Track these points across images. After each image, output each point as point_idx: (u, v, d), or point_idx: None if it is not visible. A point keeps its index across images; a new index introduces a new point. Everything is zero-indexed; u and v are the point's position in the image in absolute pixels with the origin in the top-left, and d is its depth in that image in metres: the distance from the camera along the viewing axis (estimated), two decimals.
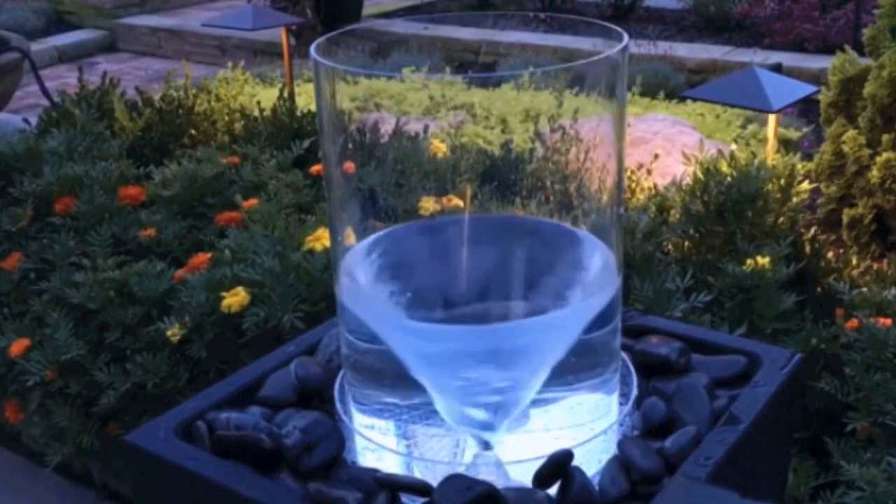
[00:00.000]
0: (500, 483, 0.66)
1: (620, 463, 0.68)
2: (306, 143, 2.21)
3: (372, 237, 0.71)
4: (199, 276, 1.67)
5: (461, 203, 0.72)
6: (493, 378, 0.68)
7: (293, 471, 0.70)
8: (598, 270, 0.70)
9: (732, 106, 3.16)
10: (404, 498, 0.66)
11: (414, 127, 0.72)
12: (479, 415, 0.68)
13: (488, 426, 0.68)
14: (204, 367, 1.62)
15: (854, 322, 1.55)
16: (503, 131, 2.40)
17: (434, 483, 0.65)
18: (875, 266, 1.97)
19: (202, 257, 1.75)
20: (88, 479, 2.06)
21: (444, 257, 0.74)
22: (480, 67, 5.28)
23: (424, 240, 0.74)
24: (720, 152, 1.92)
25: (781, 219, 1.81)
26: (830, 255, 1.82)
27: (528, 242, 0.73)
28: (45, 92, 3.23)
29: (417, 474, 0.70)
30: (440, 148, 0.73)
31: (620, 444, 0.70)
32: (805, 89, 2.74)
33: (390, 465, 0.71)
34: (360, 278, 0.71)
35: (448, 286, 0.72)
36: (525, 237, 0.73)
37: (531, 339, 0.66)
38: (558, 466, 0.65)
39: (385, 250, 0.72)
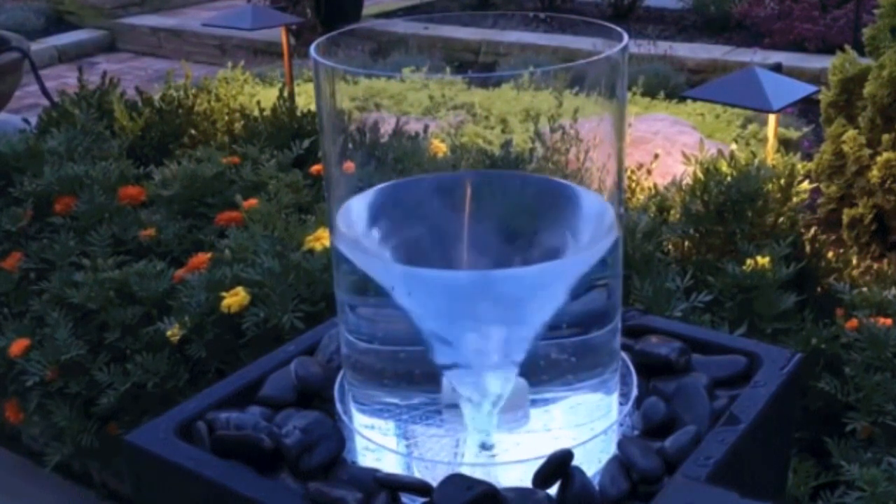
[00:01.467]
0: (499, 483, 0.66)
1: (620, 463, 0.68)
2: (306, 143, 2.21)
3: (374, 189, 0.71)
4: (199, 276, 1.67)
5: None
6: (484, 324, 0.67)
7: (293, 471, 0.70)
8: (591, 224, 0.70)
9: (732, 106, 3.16)
10: (404, 498, 0.66)
11: (414, 127, 0.72)
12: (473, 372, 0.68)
13: (482, 385, 0.68)
14: (204, 367, 1.62)
15: (854, 322, 1.55)
16: (503, 131, 2.40)
17: (434, 483, 0.65)
18: (875, 266, 1.97)
19: (202, 257, 1.75)
20: (88, 478, 2.06)
21: (441, 209, 0.74)
22: (480, 67, 5.27)
23: (422, 192, 0.74)
24: (720, 152, 1.91)
25: (781, 219, 1.81)
26: (830, 255, 1.82)
27: (525, 197, 0.73)
28: (45, 92, 3.23)
29: (417, 474, 0.70)
30: (440, 148, 0.73)
31: (620, 444, 0.70)
32: (805, 89, 2.74)
33: (390, 465, 0.71)
34: (358, 226, 0.71)
35: (443, 235, 0.72)
36: (523, 191, 0.73)
37: (520, 288, 0.66)
38: (558, 466, 0.65)
39: (385, 201, 0.72)
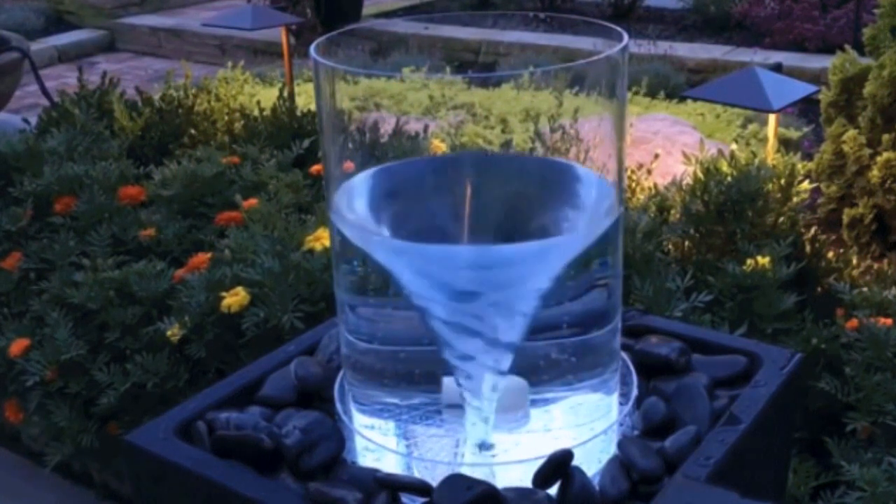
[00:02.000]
0: (499, 483, 0.66)
1: (620, 463, 0.68)
2: (306, 143, 2.21)
3: (373, 169, 0.71)
4: (199, 276, 1.67)
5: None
6: (482, 301, 0.67)
7: (293, 471, 0.69)
8: (590, 202, 0.70)
9: (732, 106, 3.16)
10: (404, 498, 0.66)
11: (414, 127, 0.72)
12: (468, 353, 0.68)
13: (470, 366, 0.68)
14: (204, 367, 1.62)
15: (854, 322, 1.55)
16: (503, 131, 2.40)
17: (434, 483, 0.65)
18: (875, 266, 1.97)
19: (202, 257, 1.75)
20: (88, 479, 2.06)
21: (438, 187, 0.74)
22: (480, 67, 5.27)
23: (421, 172, 0.74)
24: (720, 152, 1.91)
25: (781, 219, 1.81)
26: (830, 254, 1.82)
27: (523, 177, 0.73)
28: (44, 92, 3.23)
29: (417, 474, 0.70)
30: (440, 148, 0.73)
31: (620, 444, 0.70)
32: (805, 89, 2.74)
33: (390, 465, 0.71)
34: (357, 204, 0.71)
35: (443, 212, 0.72)
36: (521, 172, 0.73)
37: (518, 264, 0.66)
38: (558, 466, 0.65)
39: (384, 181, 0.72)
